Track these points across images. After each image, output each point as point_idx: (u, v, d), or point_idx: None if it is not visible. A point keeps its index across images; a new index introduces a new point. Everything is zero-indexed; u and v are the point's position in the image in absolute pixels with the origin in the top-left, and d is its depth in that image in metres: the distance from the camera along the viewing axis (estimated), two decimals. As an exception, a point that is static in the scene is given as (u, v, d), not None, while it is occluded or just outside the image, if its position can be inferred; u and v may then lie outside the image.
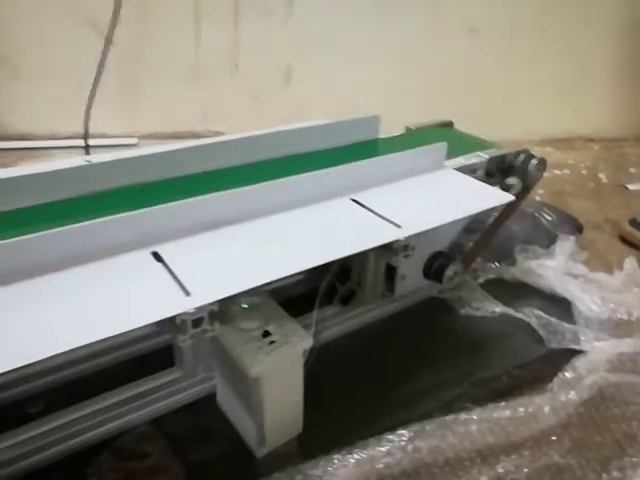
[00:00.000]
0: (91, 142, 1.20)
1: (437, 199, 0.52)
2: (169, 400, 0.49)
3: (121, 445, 0.47)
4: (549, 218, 0.80)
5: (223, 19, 1.14)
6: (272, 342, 0.43)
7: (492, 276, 0.71)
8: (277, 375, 0.43)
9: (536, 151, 1.27)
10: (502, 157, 0.64)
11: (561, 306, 0.64)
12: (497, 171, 0.65)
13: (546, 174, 1.13)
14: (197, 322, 0.37)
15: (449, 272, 0.61)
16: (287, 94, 1.24)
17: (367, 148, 0.65)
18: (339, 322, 0.61)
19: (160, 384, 0.49)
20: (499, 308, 0.63)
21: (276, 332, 0.44)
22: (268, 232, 0.45)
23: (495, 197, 0.53)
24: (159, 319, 0.34)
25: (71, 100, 1.16)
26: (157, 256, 0.41)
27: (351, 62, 1.22)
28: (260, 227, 0.46)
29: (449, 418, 0.47)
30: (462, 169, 0.61)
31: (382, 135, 0.70)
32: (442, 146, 0.58)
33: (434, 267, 0.62)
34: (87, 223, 0.39)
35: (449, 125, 0.75)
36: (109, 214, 0.41)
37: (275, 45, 1.18)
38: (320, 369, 0.46)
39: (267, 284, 0.40)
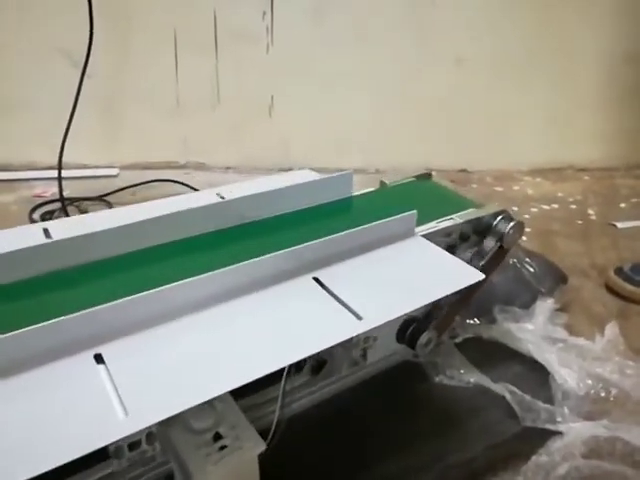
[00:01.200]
0: (70, 173, 1.18)
1: (405, 277, 0.50)
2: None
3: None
4: (531, 270, 0.77)
5: (203, 49, 1.12)
6: (223, 447, 0.40)
7: (470, 335, 0.69)
8: (227, 483, 0.40)
9: (526, 181, 1.28)
10: (478, 220, 0.62)
11: (540, 374, 0.61)
12: (473, 234, 0.62)
13: (534, 209, 1.13)
14: (134, 445, 0.34)
15: (423, 339, 0.59)
16: (270, 125, 1.22)
17: (340, 210, 0.63)
18: (308, 393, 0.59)
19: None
20: (474, 377, 0.60)
21: (228, 434, 0.41)
22: (215, 329, 0.42)
23: (466, 276, 0.50)
24: (92, 450, 0.32)
25: (49, 131, 1.14)
26: (99, 358, 0.39)
27: (335, 92, 1.20)
28: (207, 321, 0.43)
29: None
30: (436, 233, 0.59)
31: (357, 188, 0.68)
32: (411, 215, 0.55)
33: (408, 333, 0.60)
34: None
35: (427, 176, 0.73)
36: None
37: (257, 75, 1.16)
38: (284, 446, 0.44)
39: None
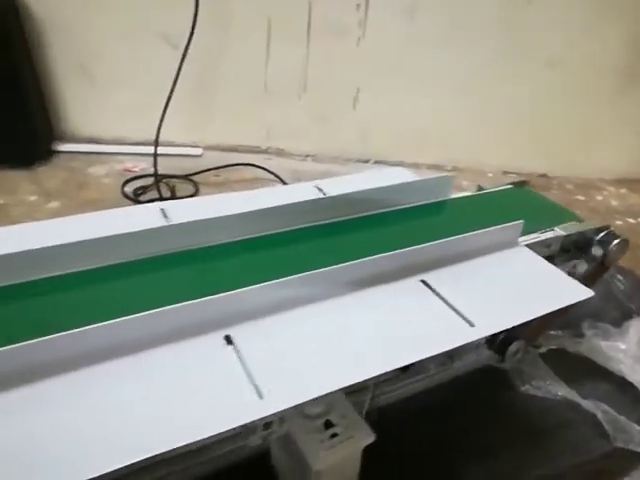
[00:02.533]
0: (158, 150, 1.23)
1: (511, 289, 0.50)
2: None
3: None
4: (621, 287, 0.76)
5: (295, 38, 1.13)
6: (334, 435, 0.43)
7: (554, 346, 0.68)
8: (337, 470, 0.43)
9: (610, 192, 1.24)
10: (581, 234, 0.61)
11: (632, 395, 0.61)
12: (573, 248, 0.62)
13: (619, 222, 1.10)
14: (267, 425, 0.37)
15: (513, 348, 0.59)
16: (352, 116, 1.22)
17: (440, 212, 0.64)
18: (396, 388, 0.60)
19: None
20: (562, 391, 0.60)
21: (339, 423, 0.43)
22: (335, 320, 0.44)
23: (574, 293, 0.50)
24: (235, 426, 0.34)
25: (140, 109, 1.19)
26: (229, 339, 0.41)
27: (420, 89, 1.19)
28: (326, 311, 0.44)
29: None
30: (538, 244, 0.58)
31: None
32: (518, 225, 0.55)
33: (498, 341, 0.60)
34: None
35: (523, 184, 0.72)
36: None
37: (345, 67, 1.17)
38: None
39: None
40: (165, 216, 0.58)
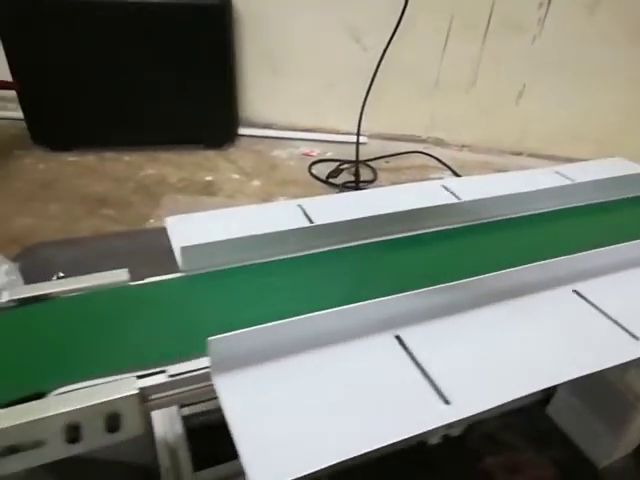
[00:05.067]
0: (324, 137, 1.34)
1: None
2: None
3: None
4: None
5: (473, 34, 1.20)
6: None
7: None
8: None
9: None
10: None
11: None
12: None
13: None
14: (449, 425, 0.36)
15: None
16: (514, 111, 1.29)
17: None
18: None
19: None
20: None
21: None
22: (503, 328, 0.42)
23: None
24: (421, 432, 0.33)
25: (312, 98, 1.30)
26: (400, 340, 0.40)
27: (587, 89, 1.23)
28: (490, 319, 0.42)
29: None
30: None
31: None
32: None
33: None
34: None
35: None
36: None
37: (516, 63, 1.23)
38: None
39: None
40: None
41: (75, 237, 0.87)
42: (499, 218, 0.60)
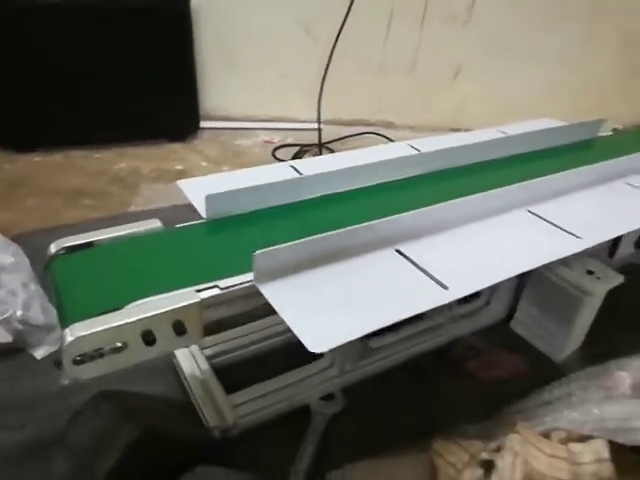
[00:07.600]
0: (283, 125, 1.43)
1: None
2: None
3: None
4: None
5: (411, 23, 1.33)
6: (597, 278, 0.62)
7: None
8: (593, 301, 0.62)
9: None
10: None
11: None
12: None
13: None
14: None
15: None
16: (452, 92, 1.43)
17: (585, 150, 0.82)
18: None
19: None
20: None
21: (597, 270, 0.63)
22: (483, 237, 0.53)
23: None
24: (424, 310, 0.43)
25: (270, 89, 1.39)
26: (400, 253, 0.50)
27: (512, 65, 1.39)
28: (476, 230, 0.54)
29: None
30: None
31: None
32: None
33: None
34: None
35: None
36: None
37: (449, 47, 1.37)
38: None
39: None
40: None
41: (64, 224, 0.91)
42: (454, 166, 0.72)
